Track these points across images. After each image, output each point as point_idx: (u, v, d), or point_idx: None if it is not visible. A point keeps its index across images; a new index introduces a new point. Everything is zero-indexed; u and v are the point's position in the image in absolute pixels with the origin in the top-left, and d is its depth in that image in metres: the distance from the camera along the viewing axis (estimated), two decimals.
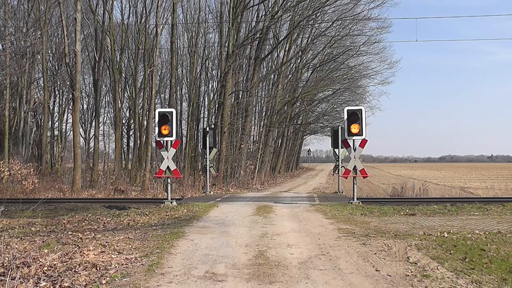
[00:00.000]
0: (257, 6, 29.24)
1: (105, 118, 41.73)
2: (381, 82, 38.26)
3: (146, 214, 11.25)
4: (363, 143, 13.14)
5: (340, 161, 18.61)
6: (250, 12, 29.91)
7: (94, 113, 34.34)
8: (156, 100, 31.24)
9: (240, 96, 28.80)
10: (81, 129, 38.18)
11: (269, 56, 32.60)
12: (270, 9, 27.86)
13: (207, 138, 18.80)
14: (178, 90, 32.86)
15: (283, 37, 30.79)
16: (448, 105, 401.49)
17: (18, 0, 29.23)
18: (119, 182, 23.03)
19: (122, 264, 5.88)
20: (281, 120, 35.47)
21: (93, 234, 8.14)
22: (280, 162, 43.52)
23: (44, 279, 5.08)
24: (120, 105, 30.50)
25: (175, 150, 14.03)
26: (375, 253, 6.57)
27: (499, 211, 11.58)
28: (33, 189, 20.20)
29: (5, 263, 5.55)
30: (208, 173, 19.10)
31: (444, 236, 7.72)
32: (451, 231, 8.19)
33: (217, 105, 28.35)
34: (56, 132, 38.33)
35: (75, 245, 7.01)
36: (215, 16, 30.23)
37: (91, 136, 40.05)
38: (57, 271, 5.43)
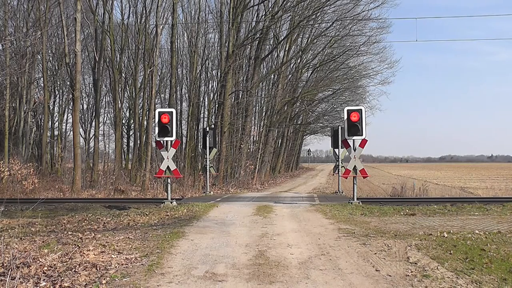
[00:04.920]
0: (257, 6, 29.25)
1: (105, 118, 41.80)
2: (381, 82, 38.27)
3: (146, 214, 11.25)
4: (363, 143, 13.14)
5: (340, 161, 18.61)
6: (250, 12, 29.92)
7: (94, 113, 34.36)
8: (156, 100, 31.23)
9: (240, 96, 28.79)
10: (81, 129, 38.26)
11: (269, 56, 32.60)
12: (270, 9, 27.86)
13: (207, 138, 18.80)
14: (178, 90, 32.87)
15: (283, 37, 30.79)
16: (448, 105, 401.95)
17: (18, 0, 29.26)
18: (119, 182, 23.02)
19: (122, 264, 5.88)
20: (281, 120, 35.46)
21: (93, 234, 8.13)
22: (280, 162, 43.52)
23: (44, 279, 5.08)
24: (120, 105, 30.51)
25: (175, 150, 14.03)
26: (375, 253, 6.57)
27: (499, 211, 11.58)
28: (33, 189, 20.19)
29: (5, 263, 5.55)
30: (208, 173, 19.09)
31: (444, 236, 7.72)
32: (451, 231, 8.19)
33: (217, 105, 28.36)
34: (56, 132, 38.37)
35: (75, 245, 7.01)
36: (215, 16, 30.27)
37: (91, 136, 40.14)
38: (57, 271, 5.43)
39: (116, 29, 30.67)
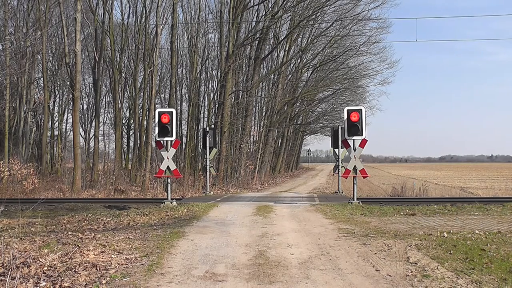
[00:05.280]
0: (257, 6, 29.25)
1: (105, 118, 41.82)
2: (381, 82, 38.30)
3: (146, 214, 11.25)
4: (363, 143, 13.14)
5: (340, 161, 18.61)
6: (250, 12, 29.92)
7: (94, 113, 34.38)
8: (156, 100, 31.26)
9: (240, 96, 28.79)
10: (81, 129, 38.30)
11: (269, 56, 32.59)
12: (270, 9, 27.85)
13: (207, 138, 18.79)
14: (178, 90, 32.87)
15: (283, 37, 30.78)
16: (448, 105, 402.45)
17: (18, 0, 29.26)
18: (119, 182, 23.01)
19: (122, 264, 5.88)
20: (281, 120, 35.47)
21: (93, 234, 8.13)
22: (280, 162, 43.52)
23: (44, 279, 5.08)
24: (120, 105, 30.52)
25: (175, 150, 14.03)
26: (375, 253, 6.57)
27: (499, 211, 11.58)
28: (33, 189, 20.19)
29: (5, 263, 5.55)
30: (208, 173, 19.09)
31: (444, 236, 7.72)
32: (451, 231, 8.19)
33: (217, 105, 28.35)
34: (56, 132, 38.37)
35: (75, 245, 7.01)
36: (215, 16, 30.28)
37: (91, 136, 40.17)
38: (57, 271, 5.43)
39: (116, 29, 30.67)
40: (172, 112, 13.64)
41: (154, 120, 15.27)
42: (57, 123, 38.95)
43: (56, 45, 34.84)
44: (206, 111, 32.13)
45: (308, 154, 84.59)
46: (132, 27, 31.88)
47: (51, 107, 36.32)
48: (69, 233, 8.39)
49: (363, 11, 27.53)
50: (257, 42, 28.27)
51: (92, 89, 35.66)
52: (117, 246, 7.02)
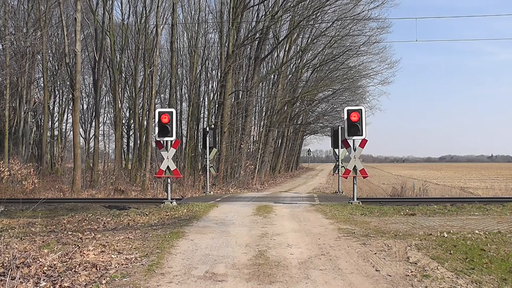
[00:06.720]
0: (257, 6, 29.26)
1: (105, 118, 41.82)
2: (381, 82, 38.31)
3: (146, 214, 11.25)
4: (363, 143, 13.14)
5: (340, 161, 18.61)
6: (250, 12, 29.93)
7: (94, 113, 34.37)
8: (156, 100, 31.25)
9: (240, 96, 28.80)
10: (81, 129, 38.28)
11: (269, 56, 32.60)
12: (270, 9, 27.86)
13: (207, 138, 18.80)
14: (178, 90, 32.88)
15: (283, 37, 30.79)
16: (448, 105, 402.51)
17: (18, 0, 29.26)
18: (119, 182, 23.01)
19: (122, 264, 5.88)
20: (281, 120, 35.48)
21: (93, 234, 8.13)
22: (280, 162, 43.53)
23: (44, 279, 5.08)
24: (120, 105, 30.51)
25: (175, 150, 14.03)
26: (375, 253, 6.57)
27: (499, 211, 11.58)
28: (33, 189, 20.19)
29: (5, 263, 5.55)
30: (208, 173, 19.09)
31: (444, 236, 7.72)
32: (451, 231, 8.19)
33: (217, 105, 28.36)
34: (56, 132, 38.38)
35: (75, 245, 7.01)
36: (215, 16, 30.29)
37: (91, 136, 40.14)
38: (57, 271, 5.43)
39: (116, 29, 30.67)
40: (172, 112, 13.64)
41: (154, 120, 15.26)
42: (57, 123, 38.98)
43: (56, 45, 34.85)
44: (206, 111, 32.15)
45: (308, 154, 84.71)
46: (132, 27, 31.88)
47: (51, 107, 36.33)
48: (69, 233, 8.40)
49: (363, 11, 27.53)
50: (257, 42, 28.27)
51: (92, 89, 35.67)
52: (117, 246, 7.02)
